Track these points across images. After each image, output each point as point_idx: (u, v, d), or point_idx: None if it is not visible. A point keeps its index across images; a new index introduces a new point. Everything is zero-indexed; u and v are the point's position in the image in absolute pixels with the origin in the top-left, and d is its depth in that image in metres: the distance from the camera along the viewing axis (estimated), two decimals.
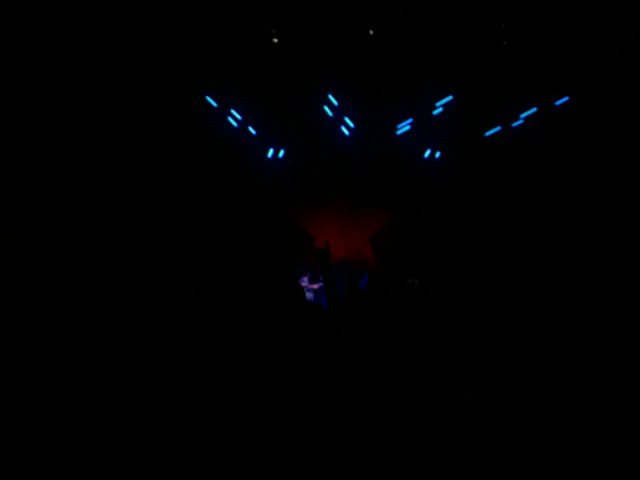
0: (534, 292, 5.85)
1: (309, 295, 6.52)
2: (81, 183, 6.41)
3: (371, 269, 6.63)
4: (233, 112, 6.62)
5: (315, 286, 6.57)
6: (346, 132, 6.72)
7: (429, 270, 6.48)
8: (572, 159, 6.52)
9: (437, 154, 6.72)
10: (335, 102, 6.66)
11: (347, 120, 6.70)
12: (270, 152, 6.69)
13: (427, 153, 6.72)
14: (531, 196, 6.57)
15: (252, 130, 6.66)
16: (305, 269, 6.65)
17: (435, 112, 6.66)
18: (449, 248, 6.56)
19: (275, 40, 6.57)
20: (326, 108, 6.66)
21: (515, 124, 6.64)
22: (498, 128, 6.65)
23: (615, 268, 5.98)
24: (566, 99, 6.57)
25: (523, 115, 6.63)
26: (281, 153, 6.70)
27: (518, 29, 6.57)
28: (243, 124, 6.65)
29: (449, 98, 6.63)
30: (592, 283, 5.76)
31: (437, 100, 6.65)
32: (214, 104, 6.58)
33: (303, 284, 6.53)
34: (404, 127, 6.70)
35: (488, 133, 6.65)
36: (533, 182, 6.57)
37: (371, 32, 6.59)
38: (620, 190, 6.38)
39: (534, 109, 6.62)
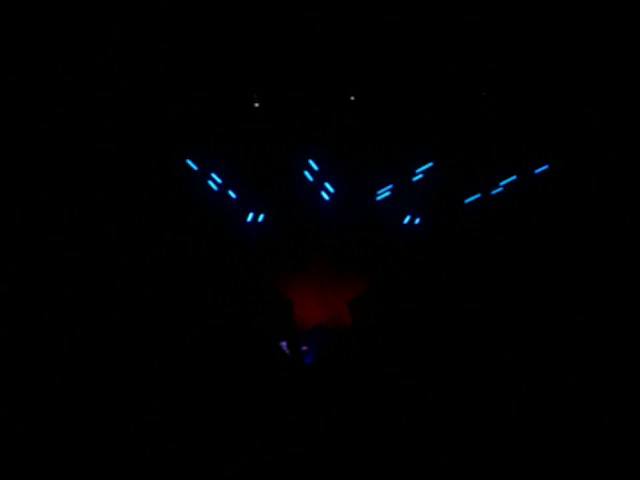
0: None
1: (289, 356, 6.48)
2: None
3: (348, 334, 6.58)
4: (213, 175, 6.63)
5: (294, 350, 6.52)
6: (326, 197, 6.72)
7: (406, 336, 6.46)
8: (552, 227, 6.54)
9: (416, 220, 6.71)
10: (315, 167, 6.68)
11: (327, 185, 6.70)
12: (250, 216, 6.67)
13: (407, 219, 6.71)
14: (511, 264, 6.57)
15: (232, 194, 6.66)
16: (284, 333, 6.59)
17: (415, 178, 6.68)
18: (427, 315, 6.52)
19: (256, 104, 6.64)
20: (306, 173, 6.68)
21: (495, 191, 6.66)
22: (478, 195, 6.66)
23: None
24: (545, 167, 6.62)
25: (503, 183, 6.65)
26: (261, 217, 6.68)
27: (499, 96, 6.67)
28: (223, 188, 6.65)
29: (429, 164, 6.66)
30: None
31: (417, 166, 6.67)
32: (194, 167, 6.60)
33: (283, 348, 6.49)
34: (384, 193, 6.71)
35: (468, 200, 6.66)
36: (513, 249, 6.58)
37: (352, 98, 6.67)
38: (601, 257, 6.39)
39: (514, 177, 6.65)
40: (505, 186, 6.67)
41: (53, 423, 5.67)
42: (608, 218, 6.51)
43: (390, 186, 6.72)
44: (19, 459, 5.38)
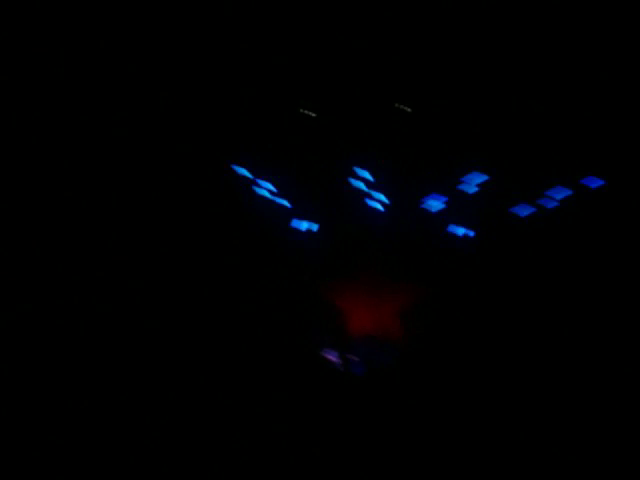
0: None
1: (338, 366, 6.42)
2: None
3: (399, 346, 6.51)
4: (266, 184, 6.61)
5: (343, 360, 6.46)
6: (379, 207, 6.67)
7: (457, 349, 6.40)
8: (607, 243, 6.46)
9: (470, 233, 6.64)
10: (370, 177, 6.64)
11: (380, 195, 6.66)
12: (302, 225, 6.64)
13: (460, 231, 6.64)
14: (563, 280, 6.48)
15: (284, 202, 6.64)
16: (333, 343, 6.53)
17: (470, 190, 6.63)
18: (479, 329, 6.45)
19: (312, 114, 6.64)
20: (360, 183, 6.64)
21: (550, 206, 6.58)
22: (533, 209, 6.59)
23: None
24: (601, 183, 6.54)
25: (558, 197, 6.57)
26: (312, 226, 6.65)
27: (557, 111, 6.62)
28: (275, 196, 6.63)
29: (485, 178, 6.60)
30: None
31: (472, 179, 6.62)
32: (247, 175, 6.59)
33: (332, 356, 6.43)
34: (437, 205, 6.65)
35: (523, 214, 6.58)
36: (566, 266, 6.49)
37: (409, 109, 6.65)
38: None
39: (569, 192, 6.57)
40: (560, 200, 6.59)
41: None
42: None
43: (444, 198, 6.66)
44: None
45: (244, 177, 6.60)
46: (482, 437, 6.03)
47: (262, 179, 6.63)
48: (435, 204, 6.65)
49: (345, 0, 6.43)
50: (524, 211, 6.60)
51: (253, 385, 6.15)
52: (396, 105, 6.58)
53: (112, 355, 6.05)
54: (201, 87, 6.59)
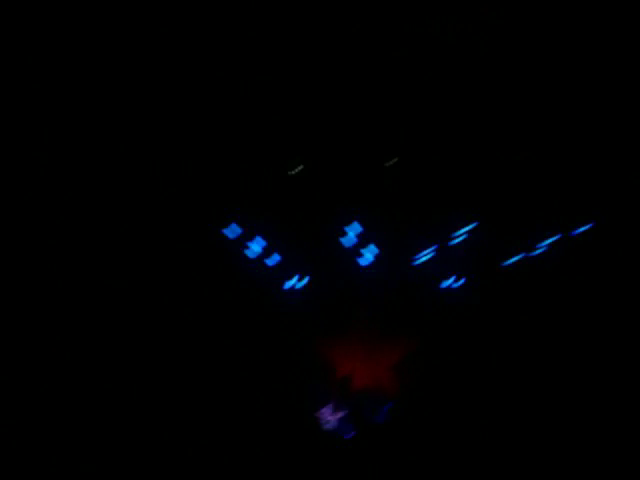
0: None
1: (333, 424, 6.46)
2: None
3: (394, 398, 6.55)
4: (253, 241, 6.69)
5: (339, 415, 6.50)
6: (368, 260, 6.73)
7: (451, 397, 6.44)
8: (596, 289, 6.46)
9: (458, 283, 6.68)
10: (357, 230, 6.70)
11: (369, 249, 6.72)
12: (291, 281, 6.71)
13: (449, 282, 6.68)
14: (554, 326, 6.51)
15: (273, 259, 6.71)
16: (328, 398, 6.58)
17: (455, 241, 6.66)
18: (471, 377, 6.49)
19: (298, 169, 6.71)
20: (349, 236, 6.70)
21: (537, 252, 6.60)
22: (520, 256, 6.61)
23: None
24: (589, 226, 6.55)
25: (545, 243, 6.59)
26: (300, 282, 6.72)
27: (540, 157, 6.63)
28: (264, 253, 6.71)
29: (471, 226, 6.64)
30: None
31: (457, 229, 6.65)
32: (232, 236, 6.67)
33: (326, 413, 6.48)
34: (425, 255, 6.70)
35: (508, 262, 6.61)
36: (556, 311, 6.51)
37: (393, 162, 6.70)
38: None
39: (557, 236, 6.59)
40: (548, 246, 6.61)
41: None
42: None
43: (431, 248, 6.70)
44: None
45: (234, 237, 6.68)
46: None
47: (253, 237, 6.71)
48: (423, 255, 6.70)
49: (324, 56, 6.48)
50: (511, 259, 6.63)
51: (247, 443, 6.22)
52: (387, 163, 6.65)
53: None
54: (191, 145, 6.67)
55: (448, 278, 6.69)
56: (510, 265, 6.64)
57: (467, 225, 6.66)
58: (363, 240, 6.71)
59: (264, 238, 6.69)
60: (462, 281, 6.68)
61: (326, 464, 6.16)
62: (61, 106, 6.44)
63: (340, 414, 6.44)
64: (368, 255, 6.74)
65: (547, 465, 6.13)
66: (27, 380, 6.16)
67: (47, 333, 6.34)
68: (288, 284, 6.70)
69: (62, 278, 6.47)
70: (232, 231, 6.63)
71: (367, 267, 6.74)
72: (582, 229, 6.57)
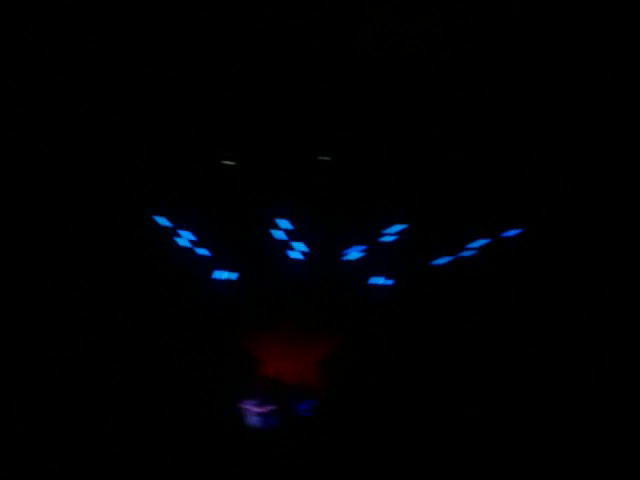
0: None
1: (255, 419, 6.50)
2: None
3: (317, 394, 6.61)
4: (184, 232, 6.63)
5: (262, 410, 6.54)
6: (298, 256, 6.72)
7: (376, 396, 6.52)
8: (521, 294, 6.56)
9: (388, 282, 6.71)
10: (289, 226, 6.67)
11: (299, 244, 6.70)
12: (220, 275, 6.68)
13: (379, 280, 6.71)
14: (481, 327, 6.59)
15: (203, 251, 6.67)
16: (253, 393, 6.61)
17: (387, 239, 6.68)
18: (396, 377, 6.56)
19: (229, 162, 6.63)
20: (278, 232, 6.67)
21: (466, 254, 6.65)
22: (449, 258, 6.66)
23: None
24: (519, 231, 6.61)
25: (475, 245, 6.64)
26: (230, 275, 6.69)
27: (473, 157, 6.63)
28: (194, 245, 6.65)
29: (403, 226, 6.65)
30: None
31: (388, 227, 6.66)
32: (166, 224, 6.60)
33: (249, 407, 6.52)
34: (355, 253, 6.70)
35: (437, 262, 6.66)
36: (481, 313, 6.60)
37: (326, 158, 6.65)
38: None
39: (487, 240, 6.64)
40: (477, 248, 6.66)
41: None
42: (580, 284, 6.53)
43: (362, 247, 6.71)
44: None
45: (164, 227, 6.61)
46: None
47: (183, 229, 6.64)
48: (354, 253, 6.70)
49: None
50: (442, 259, 6.68)
51: (171, 437, 6.23)
52: (318, 157, 6.59)
53: None
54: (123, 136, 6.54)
55: (377, 276, 6.72)
56: (439, 265, 6.68)
57: (398, 224, 6.66)
58: (293, 235, 6.68)
59: (194, 230, 6.63)
60: (390, 279, 6.72)
61: (246, 459, 6.20)
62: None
63: (264, 409, 6.48)
64: (298, 250, 6.72)
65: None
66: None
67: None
68: (217, 275, 6.66)
69: None
70: (163, 220, 6.57)
71: (296, 261, 6.73)
72: (512, 233, 6.62)
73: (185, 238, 6.65)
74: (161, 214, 6.59)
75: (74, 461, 5.84)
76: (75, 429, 6.10)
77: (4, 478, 5.53)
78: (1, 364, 6.17)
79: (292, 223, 6.65)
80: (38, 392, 6.17)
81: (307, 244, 6.70)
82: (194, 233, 6.65)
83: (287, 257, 6.71)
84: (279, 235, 6.67)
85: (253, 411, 6.50)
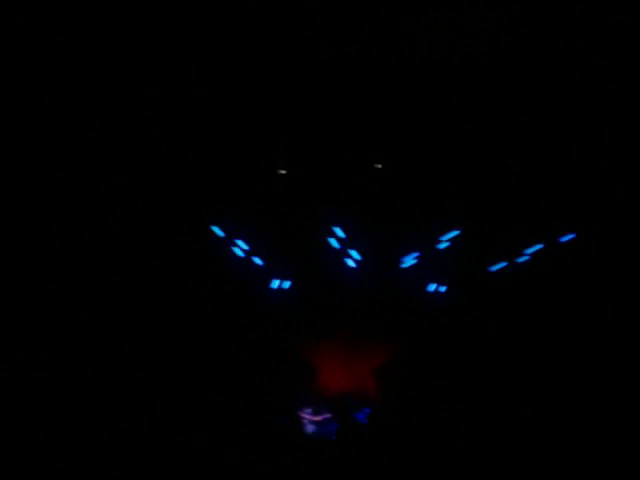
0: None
1: (311, 427, 6.48)
2: None
3: (374, 402, 6.59)
4: (239, 242, 6.65)
5: (319, 418, 6.53)
6: (352, 264, 6.73)
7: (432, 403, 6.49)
8: (578, 297, 6.54)
9: (442, 288, 6.71)
10: (342, 234, 6.69)
11: (353, 252, 6.71)
12: (275, 283, 6.69)
13: (432, 287, 6.72)
14: (535, 334, 6.58)
15: (258, 261, 6.69)
16: (308, 401, 6.61)
17: (441, 246, 6.69)
18: (452, 383, 6.54)
19: (283, 171, 6.67)
20: (332, 240, 6.69)
21: (521, 260, 6.65)
22: (504, 264, 6.66)
23: None
24: (572, 236, 6.61)
25: (529, 251, 6.64)
26: (287, 284, 6.71)
27: (525, 164, 6.65)
28: (249, 254, 6.68)
29: (455, 232, 6.66)
30: None
31: (443, 234, 6.67)
32: (220, 234, 6.63)
33: (306, 416, 6.51)
34: (409, 260, 6.72)
35: (493, 268, 6.66)
36: (538, 320, 6.58)
37: (379, 166, 6.68)
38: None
39: (540, 245, 6.64)
40: (531, 254, 6.66)
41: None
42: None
43: (416, 254, 6.72)
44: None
45: (220, 236, 6.65)
46: None
47: (237, 238, 6.67)
48: (409, 260, 6.71)
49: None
50: (496, 265, 6.68)
51: (233, 449, 6.21)
52: (374, 165, 6.62)
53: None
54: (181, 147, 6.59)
55: (433, 283, 6.72)
56: (495, 271, 6.68)
57: (452, 230, 6.68)
58: (349, 243, 6.70)
59: (249, 239, 6.66)
60: (446, 286, 6.72)
61: (307, 466, 6.16)
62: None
63: (321, 417, 6.47)
64: (353, 258, 6.74)
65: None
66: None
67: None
68: (274, 284, 6.68)
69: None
70: (220, 230, 6.61)
71: (353, 270, 6.74)
72: (565, 238, 6.63)
73: (240, 247, 6.67)
74: (217, 224, 6.62)
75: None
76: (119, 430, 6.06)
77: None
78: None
79: (346, 231, 6.67)
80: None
81: (361, 252, 6.71)
82: (248, 242, 6.67)
83: (342, 265, 6.72)
84: (334, 243, 6.68)
85: (310, 420, 6.49)
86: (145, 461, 5.69)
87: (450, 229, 6.67)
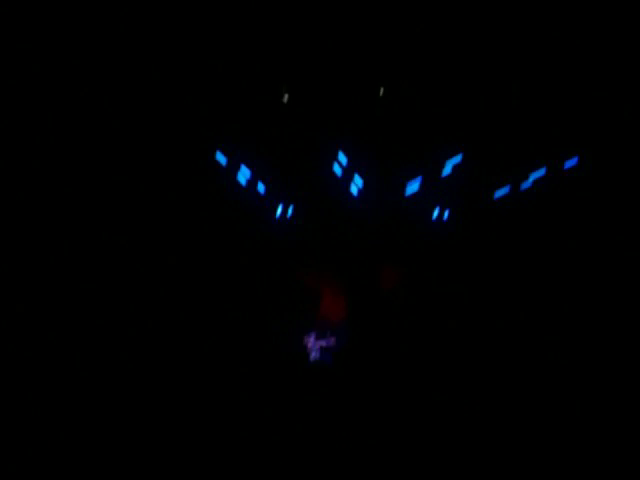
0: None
1: (315, 354, 6.53)
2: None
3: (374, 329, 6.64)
4: (241, 169, 6.60)
5: (323, 343, 6.57)
6: (355, 190, 6.69)
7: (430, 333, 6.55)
8: (580, 225, 6.54)
9: (445, 214, 6.70)
10: (344, 160, 6.63)
11: (356, 178, 6.67)
12: (278, 210, 6.66)
13: (435, 213, 6.70)
14: (538, 261, 6.59)
15: (260, 188, 6.64)
16: (313, 327, 6.64)
17: (444, 172, 6.65)
18: (453, 310, 6.57)
19: (285, 96, 6.58)
20: (335, 166, 6.64)
21: (524, 186, 6.62)
22: (507, 189, 6.63)
23: None
24: (575, 161, 6.57)
25: (532, 176, 6.61)
26: (286, 211, 6.68)
27: (528, 88, 6.58)
28: (251, 181, 6.63)
29: (458, 158, 6.61)
30: None
31: (446, 159, 6.63)
32: (222, 161, 6.57)
33: (310, 341, 6.55)
34: (412, 186, 6.68)
35: (497, 194, 6.63)
36: (541, 246, 6.58)
37: (382, 90, 6.60)
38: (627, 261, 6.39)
39: (543, 170, 6.61)
40: (535, 180, 6.63)
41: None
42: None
43: (418, 179, 6.69)
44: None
45: (223, 163, 6.59)
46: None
47: (241, 165, 6.62)
48: (412, 186, 6.68)
49: None
50: (498, 192, 6.65)
51: (235, 377, 6.27)
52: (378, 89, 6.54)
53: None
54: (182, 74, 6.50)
55: (435, 210, 6.70)
56: (497, 198, 6.66)
57: (454, 156, 6.63)
58: (351, 169, 6.66)
59: (250, 166, 6.60)
60: (448, 213, 6.71)
61: (310, 391, 6.24)
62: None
63: (325, 342, 6.52)
64: (356, 185, 6.70)
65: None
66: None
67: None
68: (277, 212, 6.65)
69: None
70: (221, 158, 6.55)
71: (356, 197, 6.71)
72: (569, 164, 6.59)
73: (243, 175, 6.62)
74: (220, 150, 6.55)
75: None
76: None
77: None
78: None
79: (349, 157, 6.62)
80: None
81: (364, 178, 6.67)
82: (252, 170, 6.61)
83: (345, 192, 6.68)
84: (337, 170, 6.64)
85: (315, 345, 6.53)
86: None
87: (453, 154, 6.62)
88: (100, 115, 6.41)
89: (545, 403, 6.12)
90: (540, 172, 6.61)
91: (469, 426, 6.06)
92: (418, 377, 6.33)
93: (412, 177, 6.68)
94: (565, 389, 6.16)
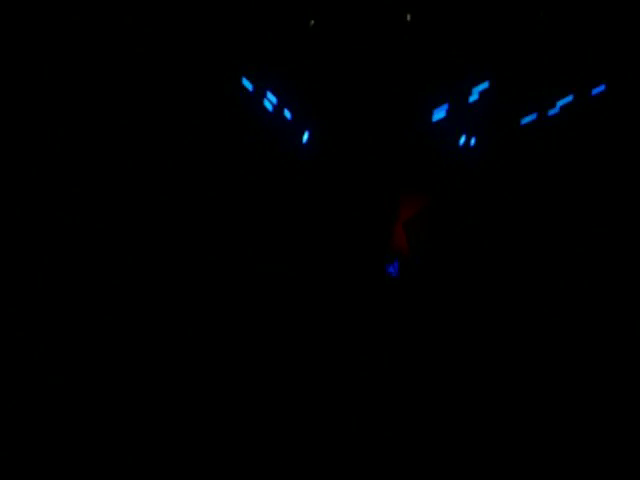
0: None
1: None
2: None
3: (404, 255, 6.63)
4: (268, 95, 6.59)
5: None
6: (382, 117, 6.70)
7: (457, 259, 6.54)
8: (606, 153, 6.52)
9: (472, 141, 6.69)
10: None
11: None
12: (305, 137, 6.66)
13: (462, 140, 6.69)
14: (562, 189, 6.58)
15: (288, 114, 6.63)
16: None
17: (471, 98, 6.63)
18: (480, 238, 6.57)
19: (312, 22, 6.56)
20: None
21: (551, 112, 6.61)
22: (534, 116, 6.62)
23: None
24: (602, 87, 6.55)
25: (559, 103, 6.60)
26: (316, 138, 6.67)
27: (556, 14, 6.55)
28: (278, 107, 6.62)
29: (485, 85, 6.60)
30: None
31: (473, 86, 6.61)
32: (249, 87, 6.56)
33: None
34: (439, 113, 6.67)
35: (524, 121, 6.62)
36: (566, 173, 6.57)
37: (408, 17, 6.58)
38: None
39: (570, 96, 6.59)
40: (562, 107, 6.61)
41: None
42: None
43: (445, 106, 6.67)
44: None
45: (250, 90, 6.57)
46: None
47: (267, 91, 6.60)
48: (439, 113, 6.67)
49: None
50: (525, 119, 6.64)
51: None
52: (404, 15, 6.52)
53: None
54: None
55: (462, 137, 6.69)
56: (524, 124, 6.65)
57: (481, 83, 6.62)
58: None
59: (279, 92, 6.59)
60: (475, 140, 6.69)
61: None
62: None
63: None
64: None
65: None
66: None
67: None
68: (304, 138, 6.64)
69: None
70: (250, 83, 6.53)
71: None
72: (597, 91, 6.57)
73: (269, 101, 6.61)
74: (247, 77, 6.54)
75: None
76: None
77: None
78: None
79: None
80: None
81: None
82: (278, 96, 6.60)
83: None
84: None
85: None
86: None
87: (480, 81, 6.61)
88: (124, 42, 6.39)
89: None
90: (567, 98, 6.58)
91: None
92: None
93: (439, 104, 6.66)
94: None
